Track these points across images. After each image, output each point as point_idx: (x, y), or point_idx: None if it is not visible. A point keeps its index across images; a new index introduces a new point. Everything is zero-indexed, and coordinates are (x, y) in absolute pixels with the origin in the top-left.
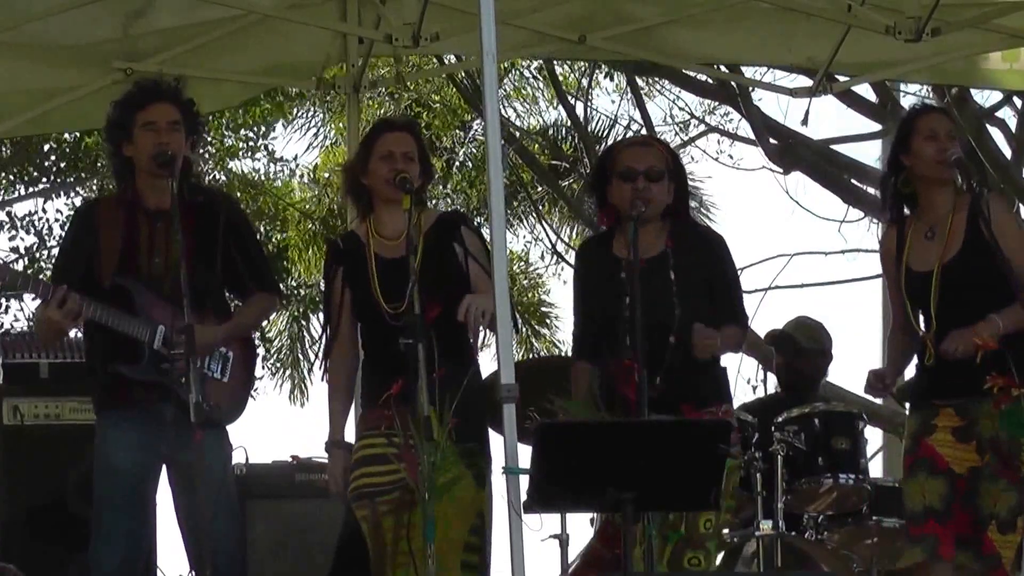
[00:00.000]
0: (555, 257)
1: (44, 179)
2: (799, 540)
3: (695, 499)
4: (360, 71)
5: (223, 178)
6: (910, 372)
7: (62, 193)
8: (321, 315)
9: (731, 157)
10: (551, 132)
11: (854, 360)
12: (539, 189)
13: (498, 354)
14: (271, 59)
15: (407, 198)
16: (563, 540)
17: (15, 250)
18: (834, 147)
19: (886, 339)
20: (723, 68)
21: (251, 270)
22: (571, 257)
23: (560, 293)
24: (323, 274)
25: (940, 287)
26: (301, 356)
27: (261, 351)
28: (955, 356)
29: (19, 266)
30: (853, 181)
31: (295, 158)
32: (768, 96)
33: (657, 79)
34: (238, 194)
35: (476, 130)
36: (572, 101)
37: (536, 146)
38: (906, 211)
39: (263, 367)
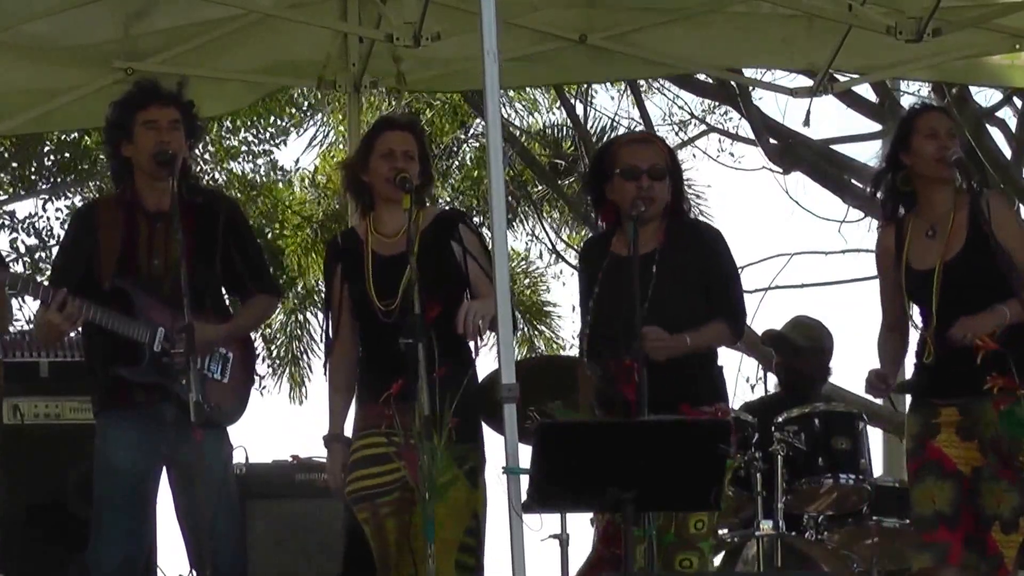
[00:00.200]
0: (555, 256)
1: (43, 181)
2: (799, 540)
3: (695, 499)
4: (360, 70)
5: (222, 179)
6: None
7: (62, 194)
8: (320, 313)
9: (732, 155)
10: (551, 132)
11: (854, 360)
12: (539, 188)
13: (498, 354)
14: (272, 58)
15: (407, 197)
16: (563, 540)
17: (15, 250)
18: (834, 147)
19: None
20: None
21: (250, 270)
22: (571, 256)
23: (560, 292)
24: (323, 271)
25: (942, 285)
26: (299, 355)
27: (262, 351)
28: (962, 343)
29: (19, 267)
30: (853, 181)
31: (296, 162)
32: (768, 96)
33: (657, 78)
34: (237, 195)
35: (477, 130)
36: (572, 101)
37: (536, 145)
38: (901, 210)
39: (265, 366)
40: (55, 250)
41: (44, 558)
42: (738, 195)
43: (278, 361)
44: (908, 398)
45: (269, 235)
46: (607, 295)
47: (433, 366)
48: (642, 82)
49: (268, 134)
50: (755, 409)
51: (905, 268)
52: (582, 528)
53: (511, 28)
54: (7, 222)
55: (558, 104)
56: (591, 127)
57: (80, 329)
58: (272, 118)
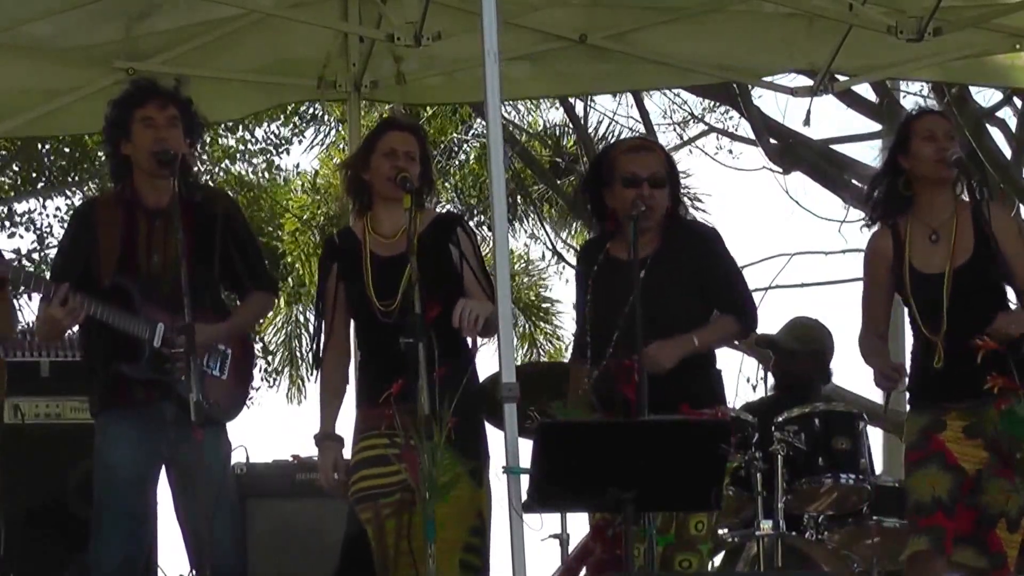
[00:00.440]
0: (555, 256)
1: (43, 179)
2: (799, 540)
3: (695, 499)
4: (361, 70)
5: (221, 175)
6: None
7: (63, 193)
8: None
9: (730, 153)
10: (551, 131)
11: (854, 360)
12: (539, 187)
13: (499, 353)
14: (272, 58)
15: (408, 197)
16: (563, 540)
17: (16, 251)
18: (834, 147)
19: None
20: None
21: (249, 268)
22: (571, 256)
23: (562, 289)
24: (318, 269)
25: (952, 290)
26: (299, 355)
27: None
28: (1008, 334)
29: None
30: (853, 181)
31: (296, 167)
32: (768, 95)
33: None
34: (234, 194)
35: (477, 129)
36: (572, 100)
37: (536, 144)
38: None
39: (261, 368)
40: (55, 249)
41: (44, 558)
42: (738, 195)
43: (278, 361)
44: (907, 396)
45: (268, 232)
46: (601, 297)
47: (433, 366)
48: None
49: (270, 141)
50: (755, 409)
51: (910, 271)
52: (582, 528)
53: (511, 28)
54: (7, 222)
55: (557, 104)
56: (591, 127)
57: (78, 327)
58: (273, 125)
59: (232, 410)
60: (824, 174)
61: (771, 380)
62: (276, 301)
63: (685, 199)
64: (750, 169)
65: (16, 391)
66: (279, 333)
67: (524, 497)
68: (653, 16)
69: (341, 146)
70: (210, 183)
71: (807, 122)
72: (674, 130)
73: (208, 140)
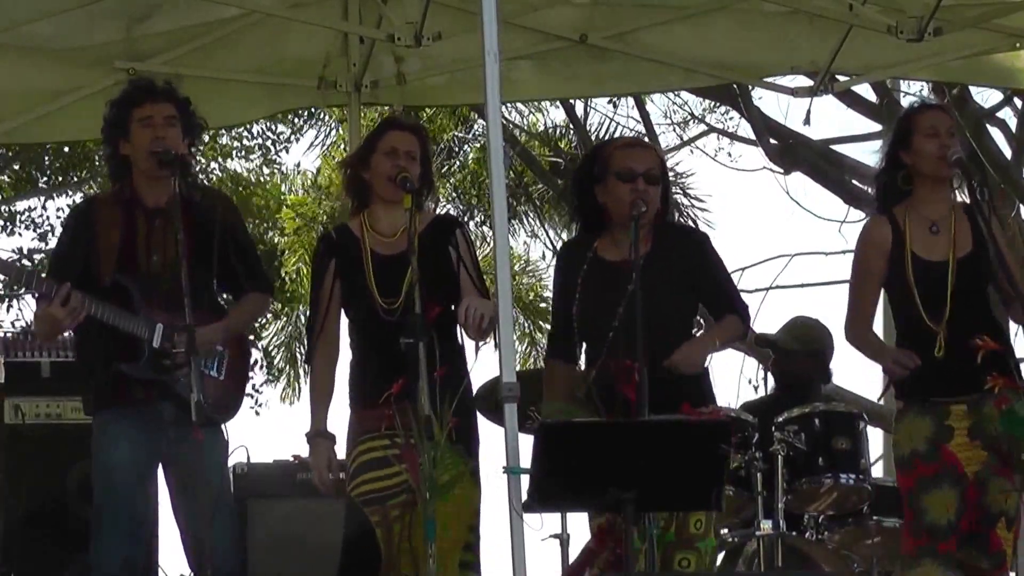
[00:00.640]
0: (555, 255)
1: (45, 179)
2: (799, 540)
3: (695, 499)
4: (361, 70)
5: (218, 172)
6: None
7: (64, 192)
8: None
9: (730, 155)
10: (551, 131)
11: (854, 360)
12: (539, 187)
13: (499, 353)
14: (273, 58)
15: (408, 197)
16: (563, 540)
17: (18, 250)
18: (834, 147)
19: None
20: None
21: (246, 269)
22: None
23: None
24: (313, 264)
25: (956, 279)
26: (299, 355)
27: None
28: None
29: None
30: (853, 181)
31: (298, 165)
32: (768, 95)
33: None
34: (231, 194)
35: (478, 129)
36: (572, 101)
37: (536, 144)
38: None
39: (262, 368)
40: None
41: (44, 558)
42: (738, 196)
43: (279, 360)
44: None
45: (263, 228)
46: (592, 297)
47: (434, 366)
48: None
49: (267, 137)
50: (755, 409)
51: (913, 259)
52: (582, 528)
53: (511, 28)
54: (7, 222)
55: (557, 104)
56: (591, 127)
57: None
58: (274, 125)
59: (229, 411)
60: (824, 174)
61: (771, 380)
62: (272, 303)
63: (686, 199)
64: (750, 169)
65: (16, 391)
66: (281, 333)
67: (524, 497)
68: (654, 15)
69: (341, 147)
70: (205, 181)
71: (807, 122)
72: (674, 131)
73: (207, 138)
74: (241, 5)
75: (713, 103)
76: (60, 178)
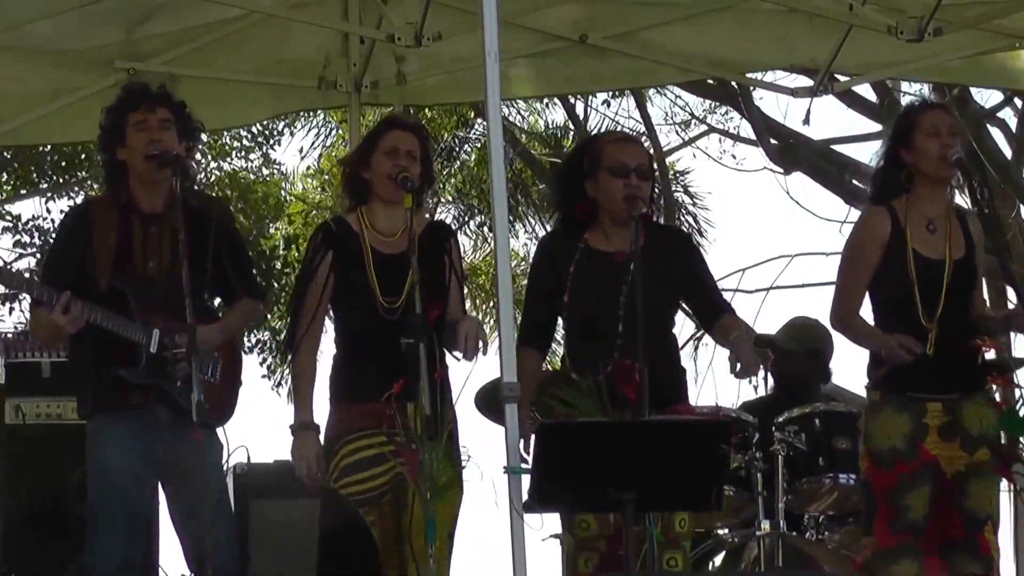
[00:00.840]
0: None
1: (45, 180)
2: (800, 540)
3: (695, 499)
4: (361, 70)
5: (215, 175)
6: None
7: (65, 194)
8: None
9: (733, 157)
10: (551, 131)
11: (854, 360)
12: (539, 187)
13: (499, 353)
14: (273, 59)
15: (408, 197)
16: (563, 540)
17: (22, 246)
18: (834, 147)
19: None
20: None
21: (240, 275)
22: None
23: None
24: (307, 251)
25: (951, 278)
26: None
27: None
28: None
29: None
30: (854, 181)
31: (301, 150)
32: (768, 96)
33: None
34: (229, 192)
35: (478, 129)
36: (572, 101)
37: (536, 144)
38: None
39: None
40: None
41: (44, 558)
42: (739, 196)
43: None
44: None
45: (265, 227)
46: (587, 287)
47: (434, 367)
48: None
49: (262, 134)
50: (755, 409)
51: (914, 254)
52: None
53: (511, 28)
54: (10, 224)
55: (557, 102)
56: (591, 127)
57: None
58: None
59: (223, 415)
60: (825, 174)
61: (771, 380)
62: (262, 308)
63: (687, 197)
64: (751, 170)
65: (17, 391)
66: (277, 330)
67: (524, 497)
68: (654, 14)
69: (342, 146)
70: (205, 181)
71: (807, 122)
72: (675, 131)
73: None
74: (241, 5)
75: (714, 103)
76: (61, 179)
